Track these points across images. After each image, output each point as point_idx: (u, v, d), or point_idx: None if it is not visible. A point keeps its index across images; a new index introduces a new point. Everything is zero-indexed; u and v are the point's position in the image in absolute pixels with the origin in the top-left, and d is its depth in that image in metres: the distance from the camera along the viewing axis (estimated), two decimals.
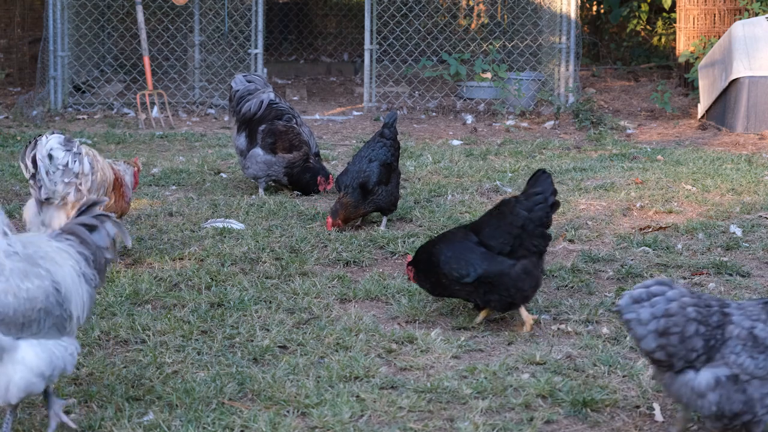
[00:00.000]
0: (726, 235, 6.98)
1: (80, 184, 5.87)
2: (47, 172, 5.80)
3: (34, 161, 5.81)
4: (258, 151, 8.27)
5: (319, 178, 8.19)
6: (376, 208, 7.21)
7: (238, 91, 8.53)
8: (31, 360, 3.72)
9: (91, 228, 4.06)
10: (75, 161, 5.84)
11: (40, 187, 5.84)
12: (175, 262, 6.26)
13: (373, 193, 7.11)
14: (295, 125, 8.39)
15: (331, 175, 8.17)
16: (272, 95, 8.57)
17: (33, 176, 5.82)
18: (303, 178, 8.30)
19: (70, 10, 13.18)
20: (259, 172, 8.26)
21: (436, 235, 5.86)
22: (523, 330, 5.17)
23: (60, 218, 5.83)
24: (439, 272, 5.19)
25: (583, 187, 8.45)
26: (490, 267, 5.11)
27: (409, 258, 5.40)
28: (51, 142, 5.80)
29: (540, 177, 5.18)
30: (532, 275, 5.14)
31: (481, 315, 5.27)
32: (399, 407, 4.21)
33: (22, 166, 5.88)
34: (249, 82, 8.59)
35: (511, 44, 14.88)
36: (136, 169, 6.60)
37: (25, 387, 3.71)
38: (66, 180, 5.83)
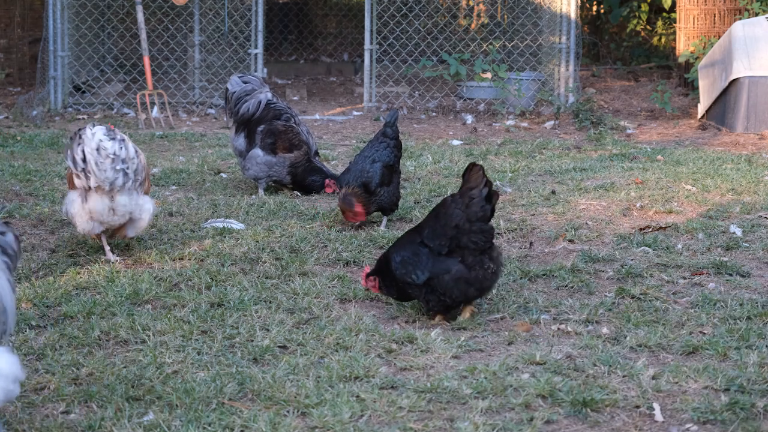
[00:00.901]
0: (726, 235, 6.98)
1: (127, 168, 6.22)
2: (97, 163, 6.13)
3: (83, 155, 6.15)
4: (258, 151, 8.27)
5: (327, 180, 8.13)
6: (378, 208, 7.21)
7: (234, 92, 8.52)
8: None
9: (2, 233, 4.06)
10: (122, 148, 6.19)
11: (88, 177, 6.16)
12: (175, 262, 6.26)
13: (375, 194, 7.11)
14: (293, 125, 8.39)
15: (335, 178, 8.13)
16: (269, 95, 8.56)
17: (83, 169, 6.16)
18: (307, 178, 8.29)
19: (70, 10, 13.19)
20: (259, 173, 8.25)
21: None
22: (462, 317, 5.21)
23: (103, 203, 6.24)
24: (395, 278, 5.24)
25: (583, 187, 8.46)
26: (434, 268, 5.14)
27: (367, 269, 5.38)
28: (98, 135, 6.14)
29: (471, 171, 5.17)
30: (470, 276, 5.15)
31: (467, 312, 5.28)
32: (399, 407, 4.21)
33: (70, 160, 6.17)
34: (245, 82, 8.58)
35: (511, 44, 14.88)
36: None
37: None
38: (117, 167, 6.18)
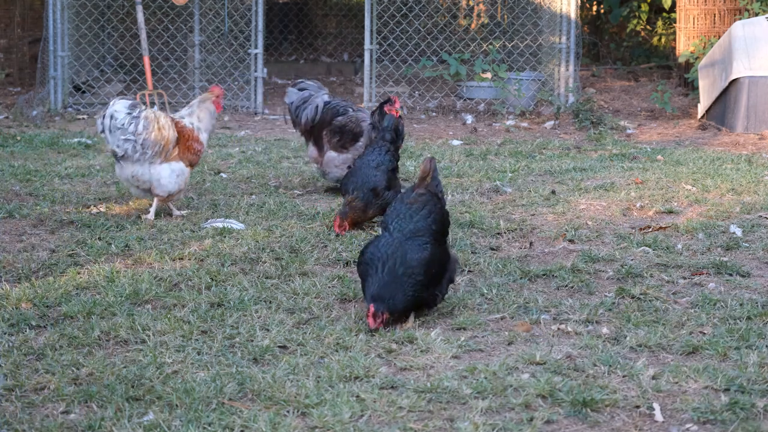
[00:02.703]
0: (726, 235, 6.98)
1: (136, 141, 7.08)
2: (110, 131, 7.08)
3: (101, 120, 7.14)
4: (331, 154, 8.20)
5: (386, 106, 7.95)
6: (382, 211, 7.17)
7: (292, 102, 8.46)
8: None
9: None
10: (131, 123, 7.06)
11: (106, 143, 7.20)
12: (175, 262, 6.26)
13: (382, 197, 7.11)
14: (352, 113, 8.27)
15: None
16: (326, 97, 8.45)
17: (102, 134, 7.19)
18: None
19: (70, 10, 13.19)
20: (342, 174, 8.09)
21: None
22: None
23: (125, 170, 7.22)
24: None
25: (583, 187, 8.46)
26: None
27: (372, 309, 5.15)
28: (115, 106, 7.10)
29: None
30: None
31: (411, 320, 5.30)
32: (399, 407, 4.21)
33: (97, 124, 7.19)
34: (301, 90, 8.48)
35: (511, 44, 14.88)
36: (214, 97, 7.60)
37: None
38: (123, 137, 7.08)
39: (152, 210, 7.36)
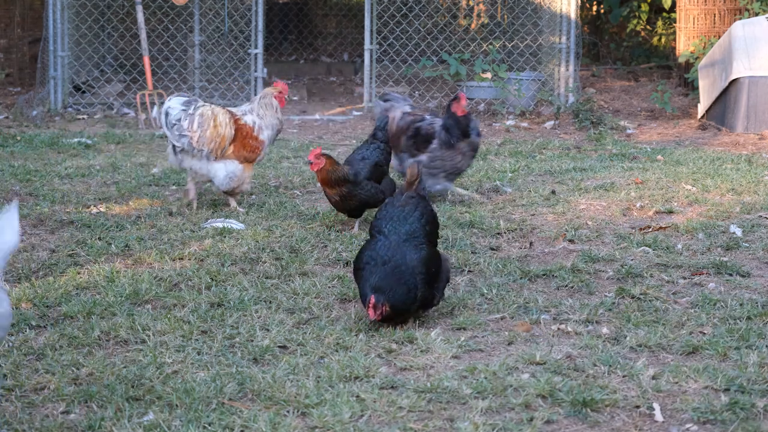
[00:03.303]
0: (726, 235, 6.98)
1: (191, 138, 7.33)
2: (167, 126, 7.37)
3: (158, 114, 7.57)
4: (408, 159, 7.92)
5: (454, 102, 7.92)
6: (360, 202, 7.11)
7: (377, 114, 8.27)
8: None
9: None
10: (186, 120, 7.32)
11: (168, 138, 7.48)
12: (175, 262, 6.26)
13: (360, 186, 7.04)
14: (428, 119, 8.04)
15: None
16: (407, 108, 8.18)
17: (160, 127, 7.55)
18: (457, 145, 7.90)
19: (70, 10, 13.19)
20: (428, 178, 7.84)
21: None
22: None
23: (191, 163, 7.47)
24: None
25: (583, 187, 8.46)
26: None
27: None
28: (170, 102, 7.41)
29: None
30: None
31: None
32: (399, 407, 4.21)
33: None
34: (386, 101, 8.30)
35: (511, 44, 14.88)
36: (276, 92, 7.72)
37: None
38: (177, 133, 7.34)
39: (233, 203, 7.67)
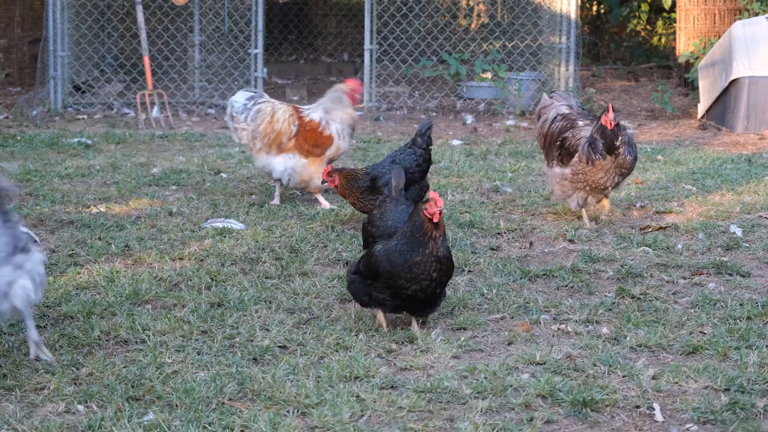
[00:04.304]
0: (726, 235, 6.98)
1: (244, 130, 7.69)
2: (230, 117, 7.79)
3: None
4: (555, 169, 7.38)
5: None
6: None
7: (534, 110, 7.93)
8: None
9: None
10: (243, 113, 7.71)
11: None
12: (175, 262, 6.26)
13: (380, 192, 6.86)
14: (578, 126, 7.38)
15: None
16: (564, 109, 7.52)
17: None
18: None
19: (70, 10, 13.18)
20: (557, 189, 7.38)
21: None
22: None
23: (257, 159, 7.79)
24: None
25: None
26: None
27: None
28: (236, 96, 7.85)
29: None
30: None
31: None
32: (399, 407, 4.21)
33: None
34: (550, 97, 7.68)
35: (511, 44, 14.88)
36: (348, 89, 7.80)
37: None
38: (235, 125, 7.76)
39: (321, 200, 7.81)
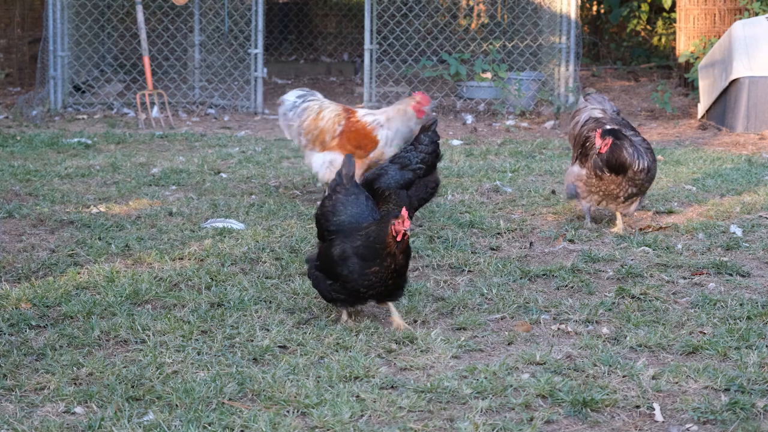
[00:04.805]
0: (726, 235, 6.98)
1: (291, 126, 7.94)
2: (282, 115, 8.06)
3: None
4: (573, 168, 7.30)
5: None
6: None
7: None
8: None
9: None
10: (292, 111, 7.94)
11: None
12: (175, 262, 6.26)
13: (379, 194, 6.78)
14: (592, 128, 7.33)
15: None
16: (597, 113, 7.41)
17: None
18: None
19: (70, 10, 13.18)
20: (569, 188, 7.34)
21: None
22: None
23: (305, 156, 7.99)
24: None
25: None
26: None
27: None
28: (288, 94, 8.09)
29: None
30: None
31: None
32: (399, 407, 4.21)
33: None
34: (585, 100, 7.65)
35: (511, 44, 14.88)
36: (414, 103, 7.66)
37: None
38: (283, 121, 8.06)
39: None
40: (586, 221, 7.22)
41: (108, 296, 5.54)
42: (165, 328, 5.05)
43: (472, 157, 10.07)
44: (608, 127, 7.07)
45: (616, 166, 6.84)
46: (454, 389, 4.36)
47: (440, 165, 9.44)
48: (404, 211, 4.95)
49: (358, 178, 7.13)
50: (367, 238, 5.03)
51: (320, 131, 7.76)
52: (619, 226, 7.05)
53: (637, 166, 6.83)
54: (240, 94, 13.49)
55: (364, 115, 7.81)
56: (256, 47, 13.22)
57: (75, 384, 4.42)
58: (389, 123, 7.68)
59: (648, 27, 18.20)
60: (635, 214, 7.42)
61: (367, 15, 13.18)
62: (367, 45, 13.25)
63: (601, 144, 6.82)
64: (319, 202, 5.93)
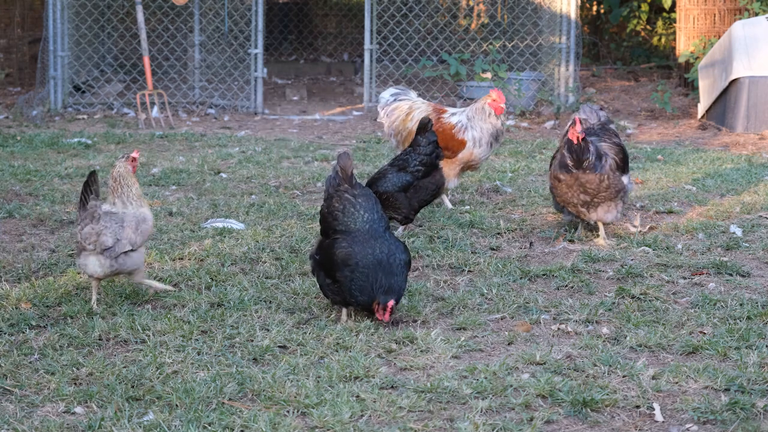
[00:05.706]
0: (726, 235, 6.98)
1: (384, 126, 8.02)
2: (378, 112, 8.12)
3: None
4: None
5: None
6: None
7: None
8: None
9: None
10: (382, 110, 8.02)
11: None
12: (175, 262, 6.26)
13: (379, 197, 6.80)
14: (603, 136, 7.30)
15: None
16: (598, 118, 7.50)
17: None
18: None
19: (70, 10, 13.18)
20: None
21: None
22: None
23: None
24: None
25: None
26: None
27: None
28: (384, 92, 8.17)
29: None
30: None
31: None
32: (399, 407, 4.21)
33: None
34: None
35: (511, 44, 14.88)
36: (491, 99, 7.67)
37: None
38: (377, 120, 8.19)
39: (445, 201, 7.78)
40: (577, 232, 7.05)
41: (108, 296, 5.54)
42: (165, 328, 5.05)
43: None
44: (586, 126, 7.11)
45: (574, 150, 6.74)
46: (454, 389, 4.37)
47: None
48: (390, 303, 5.08)
49: (455, 177, 7.62)
50: (369, 267, 5.15)
51: (409, 133, 7.71)
52: (601, 236, 6.86)
53: (587, 164, 6.69)
54: (240, 94, 13.49)
55: (450, 116, 7.77)
56: (256, 47, 13.22)
57: (75, 384, 4.42)
58: (471, 123, 7.69)
59: (648, 27, 18.20)
60: (638, 222, 7.42)
61: (367, 15, 13.18)
62: (367, 45, 13.25)
63: (575, 135, 6.78)
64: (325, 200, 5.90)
